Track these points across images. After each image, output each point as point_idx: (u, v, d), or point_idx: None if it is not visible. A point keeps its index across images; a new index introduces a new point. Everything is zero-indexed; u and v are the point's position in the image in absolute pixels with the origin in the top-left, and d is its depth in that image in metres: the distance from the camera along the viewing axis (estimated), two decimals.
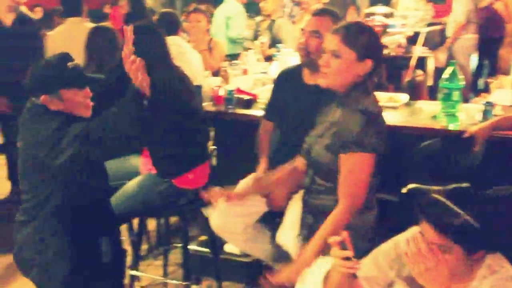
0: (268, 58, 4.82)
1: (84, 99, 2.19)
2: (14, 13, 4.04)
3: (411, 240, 1.50)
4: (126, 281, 2.90)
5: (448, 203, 1.46)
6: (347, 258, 1.59)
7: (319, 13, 2.59)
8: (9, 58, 3.93)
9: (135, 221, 3.14)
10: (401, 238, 1.71)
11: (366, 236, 2.13)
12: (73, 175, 2.15)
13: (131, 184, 2.78)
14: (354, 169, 2.00)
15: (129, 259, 2.98)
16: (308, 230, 2.20)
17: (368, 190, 2.08)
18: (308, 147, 2.21)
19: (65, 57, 2.17)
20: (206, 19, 4.52)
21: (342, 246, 1.60)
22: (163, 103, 2.60)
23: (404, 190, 2.25)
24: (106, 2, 8.85)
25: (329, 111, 2.18)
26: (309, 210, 2.22)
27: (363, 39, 2.05)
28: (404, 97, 3.39)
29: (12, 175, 4.41)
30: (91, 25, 4.05)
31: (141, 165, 2.87)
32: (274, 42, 5.11)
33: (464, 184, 1.54)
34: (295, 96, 2.61)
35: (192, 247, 3.16)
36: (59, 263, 2.18)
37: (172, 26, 3.89)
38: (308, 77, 2.60)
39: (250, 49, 4.98)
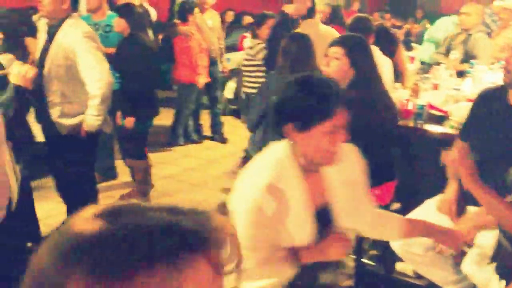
0: (459, 74, 4.56)
1: None
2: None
3: None
4: None
5: None
6: None
7: None
8: None
9: None
10: None
11: None
12: None
13: None
14: None
15: None
16: (502, 258, 2.03)
17: None
18: None
19: None
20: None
21: None
22: (370, 118, 2.57)
23: None
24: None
25: None
26: (506, 235, 2.05)
27: None
28: None
29: None
30: (324, 27, 4.15)
31: None
32: (467, 57, 4.80)
33: None
34: (500, 119, 2.42)
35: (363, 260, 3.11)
36: None
37: (364, 33, 3.80)
38: None
39: (441, 63, 4.75)
